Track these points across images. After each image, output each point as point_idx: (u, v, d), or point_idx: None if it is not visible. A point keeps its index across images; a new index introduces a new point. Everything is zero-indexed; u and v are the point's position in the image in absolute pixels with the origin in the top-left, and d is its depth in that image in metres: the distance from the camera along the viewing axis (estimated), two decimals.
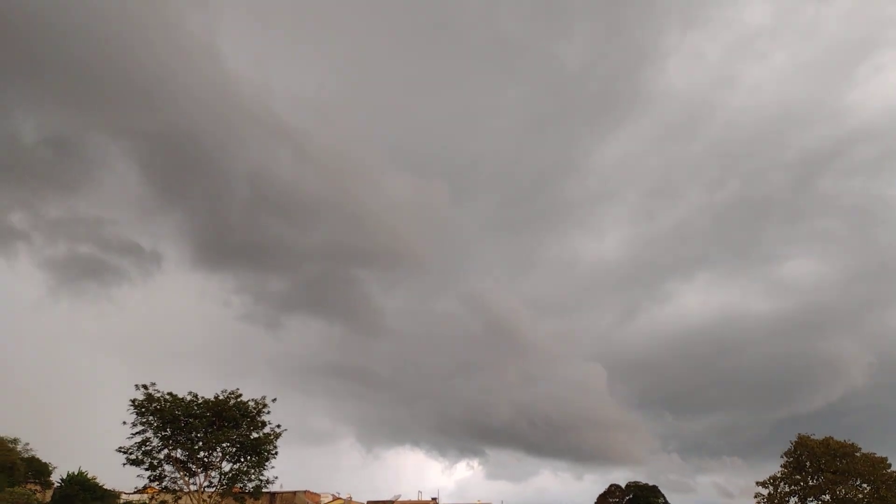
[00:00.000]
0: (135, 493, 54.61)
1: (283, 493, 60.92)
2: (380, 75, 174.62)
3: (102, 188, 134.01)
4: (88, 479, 50.28)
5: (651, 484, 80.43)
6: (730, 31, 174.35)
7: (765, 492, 49.16)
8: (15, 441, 51.82)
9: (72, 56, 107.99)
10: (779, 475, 49.03)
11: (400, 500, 67.86)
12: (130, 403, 37.74)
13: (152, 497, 40.10)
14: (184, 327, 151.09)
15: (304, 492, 66.75)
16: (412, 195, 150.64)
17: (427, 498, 70.17)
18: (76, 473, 50.33)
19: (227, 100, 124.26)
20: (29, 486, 52.21)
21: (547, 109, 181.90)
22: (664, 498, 78.81)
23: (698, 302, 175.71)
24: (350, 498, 68.06)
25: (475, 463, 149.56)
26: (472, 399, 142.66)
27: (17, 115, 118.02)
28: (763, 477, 49.89)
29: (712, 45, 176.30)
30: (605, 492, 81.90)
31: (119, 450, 37.25)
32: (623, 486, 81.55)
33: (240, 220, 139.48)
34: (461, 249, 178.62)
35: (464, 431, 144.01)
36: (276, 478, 40.06)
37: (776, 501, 48.15)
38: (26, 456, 53.26)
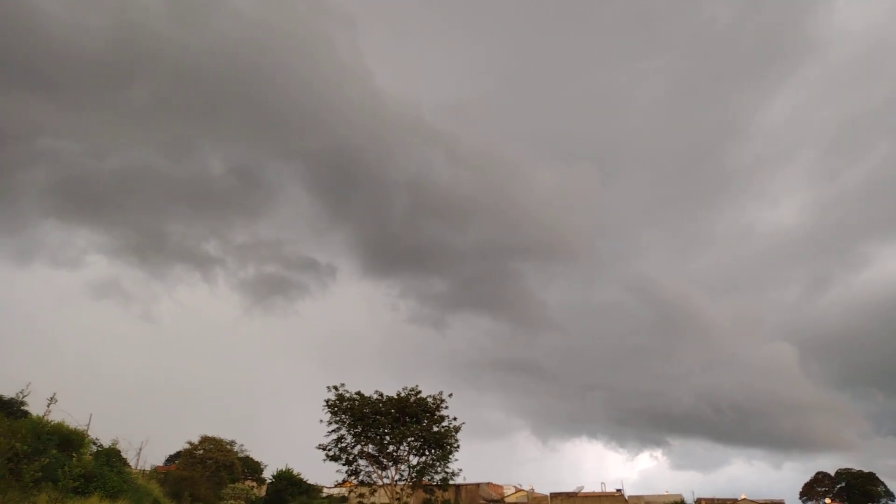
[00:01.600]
0: (335, 486, 59.23)
1: (467, 485, 62.58)
2: (517, 67, 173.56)
3: (280, 211, 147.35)
4: (294, 476, 55.24)
5: (866, 471, 71.90)
6: None
7: None
8: (232, 443, 58.21)
9: (245, 91, 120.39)
10: None
11: (583, 492, 66.84)
12: (324, 403, 40.93)
13: (351, 490, 43.04)
14: (360, 332, 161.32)
15: (487, 484, 68.09)
16: (562, 183, 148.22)
17: (610, 490, 68.44)
18: (284, 470, 55.53)
19: (379, 115, 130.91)
20: (246, 482, 58.53)
21: (698, 73, 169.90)
22: (884, 486, 70.06)
23: None
24: (532, 490, 68.31)
25: (658, 453, 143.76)
26: (647, 388, 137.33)
27: (206, 151, 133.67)
28: None
29: None
30: (811, 480, 74.66)
31: (318, 447, 40.56)
32: (832, 473, 73.80)
33: (401, 227, 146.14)
34: (619, 233, 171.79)
35: (643, 421, 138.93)
36: (461, 470, 41.29)
37: None
38: (242, 456, 59.63)
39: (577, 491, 66.42)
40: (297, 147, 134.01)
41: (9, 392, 38.23)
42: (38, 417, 21.58)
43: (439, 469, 40.49)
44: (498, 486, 70.98)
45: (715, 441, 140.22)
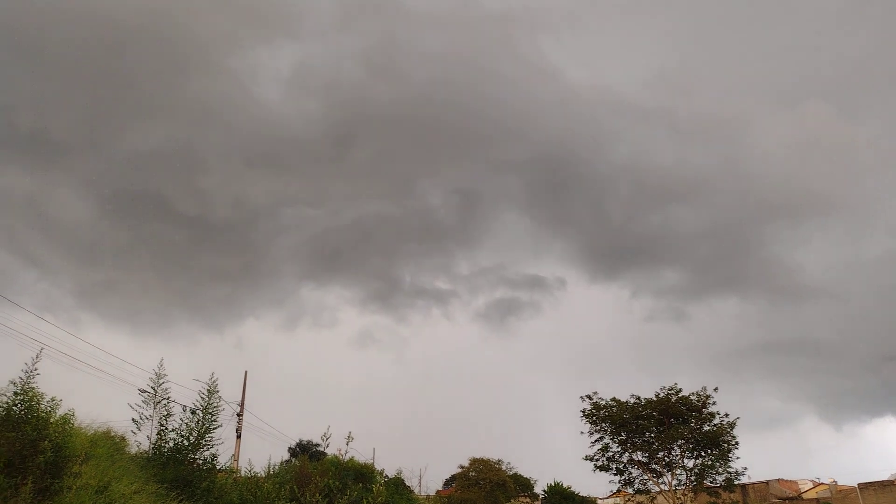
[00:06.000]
0: (609, 497, 57.97)
1: (754, 484, 57.02)
2: (710, 16, 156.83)
3: (499, 234, 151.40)
4: (566, 489, 55.22)
5: None
6: None
7: None
8: (499, 462, 60.17)
9: (450, 123, 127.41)
10: None
11: None
12: (581, 413, 40.49)
13: (627, 500, 41.73)
14: (598, 339, 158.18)
15: (778, 480, 61.46)
16: (793, 130, 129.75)
17: None
18: (554, 484, 55.81)
19: (579, 109, 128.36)
20: (521, 499, 59.92)
21: None
22: None
23: None
24: (834, 482, 59.99)
25: None
26: None
27: (425, 189, 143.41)
28: None
29: None
30: None
31: (585, 458, 40.09)
32: None
33: (623, 222, 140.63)
34: (882, 170, 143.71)
35: None
36: (745, 468, 37.91)
37: None
38: (511, 473, 61.29)
39: (893, 479, 56.83)
40: (506, 165, 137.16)
41: (305, 437, 44.43)
42: (336, 456, 24.29)
43: (720, 469, 37.53)
44: (791, 481, 63.66)
45: None
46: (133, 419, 15.19)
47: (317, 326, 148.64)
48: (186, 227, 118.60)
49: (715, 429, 38.06)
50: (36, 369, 12.36)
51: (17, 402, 11.94)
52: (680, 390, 39.46)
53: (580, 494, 56.55)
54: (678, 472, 38.89)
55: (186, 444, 15.55)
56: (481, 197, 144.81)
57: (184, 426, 15.65)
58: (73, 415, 12.62)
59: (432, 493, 59.50)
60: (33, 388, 12.21)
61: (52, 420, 12.04)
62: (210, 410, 16.16)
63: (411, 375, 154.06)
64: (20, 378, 12.20)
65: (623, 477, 39.85)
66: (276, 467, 21.96)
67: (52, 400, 12.45)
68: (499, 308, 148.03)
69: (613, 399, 40.36)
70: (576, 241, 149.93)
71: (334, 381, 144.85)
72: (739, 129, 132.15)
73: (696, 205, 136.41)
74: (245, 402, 37.35)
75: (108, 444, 13.72)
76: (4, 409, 11.76)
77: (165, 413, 15.61)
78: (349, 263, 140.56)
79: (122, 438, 15.04)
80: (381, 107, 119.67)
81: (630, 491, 40.56)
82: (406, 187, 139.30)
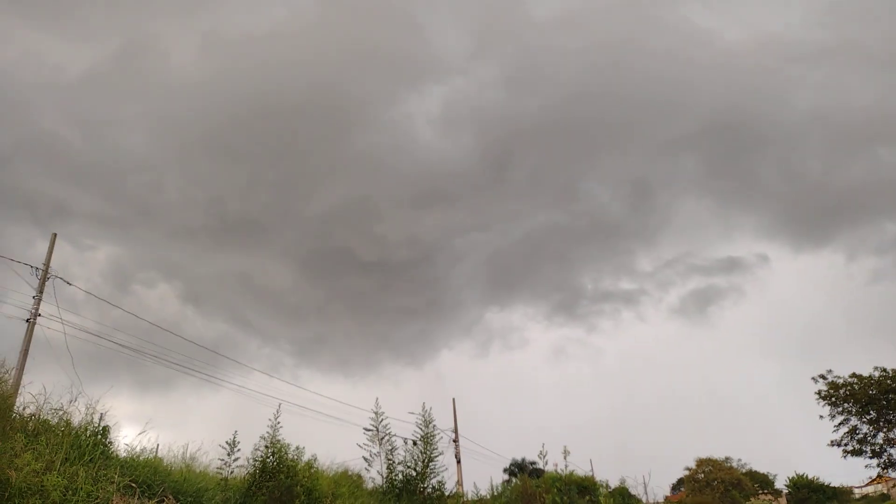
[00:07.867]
0: (867, 484, 51.22)
1: None
2: None
3: (677, 221, 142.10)
4: (813, 481, 49.77)
5: None
6: None
7: None
8: (727, 459, 55.96)
9: (602, 110, 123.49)
10: None
11: None
12: (816, 396, 36.49)
13: (894, 485, 36.65)
14: (817, 313, 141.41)
15: None
16: None
17: None
18: (798, 477, 50.57)
19: (746, 67, 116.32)
20: (761, 496, 55.05)
21: None
22: None
23: None
24: None
25: None
26: None
27: (591, 189, 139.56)
28: None
29: None
30: None
31: (832, 444, 35.97)
32: None
33: (821, 176, 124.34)
34: None
35: None
36: None
37: None
38: (744, 471, 56.65)
39: None
40: (674, 144, 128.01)
41: (517, 456, 45.02)
42: (554, 473, 24.16)
43: None
44: None
45: None
46: (364, 457, 16.45)
47: (508, 349, 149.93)
48: (373, 274, 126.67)
49: None
50: (279, 422, 13.90)
51: (269, 454, 13.50)
52: None
53: (831, 485, 50.54)
54: None
55: (415, 474, 16.47)
56: (652, 184, 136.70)
57: (409, 458, 16.62)
58: (315, 459, 13.97)
59: (661, 500, 56.72)
60: (279, 439, 13.75)
61: (299, 467, 13.44)
62: (428, 440, 17.01)
63: (613, 383, 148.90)
64: (267, 432, 13.79)
65: (881, 459, 35.07)
66: (499, 488, 22.42)
67: (297, 448, 13.91)
68: (695, 299, 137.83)
69: (853, 375, 35.87)
70: (769, 210, 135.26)
71: (535, 400, 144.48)
72: None
73: None
74: (457, 428, 38.66)
75: (348, 482, 14.96)
76: (261, 461, 13.35)
77: (390, 448, 16.70)
78: (527, 280, 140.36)
79: (358, 476, 16.32)
80: (530, 119, 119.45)
81: (893, 475, 35.59)
82: (570, 191, 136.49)
